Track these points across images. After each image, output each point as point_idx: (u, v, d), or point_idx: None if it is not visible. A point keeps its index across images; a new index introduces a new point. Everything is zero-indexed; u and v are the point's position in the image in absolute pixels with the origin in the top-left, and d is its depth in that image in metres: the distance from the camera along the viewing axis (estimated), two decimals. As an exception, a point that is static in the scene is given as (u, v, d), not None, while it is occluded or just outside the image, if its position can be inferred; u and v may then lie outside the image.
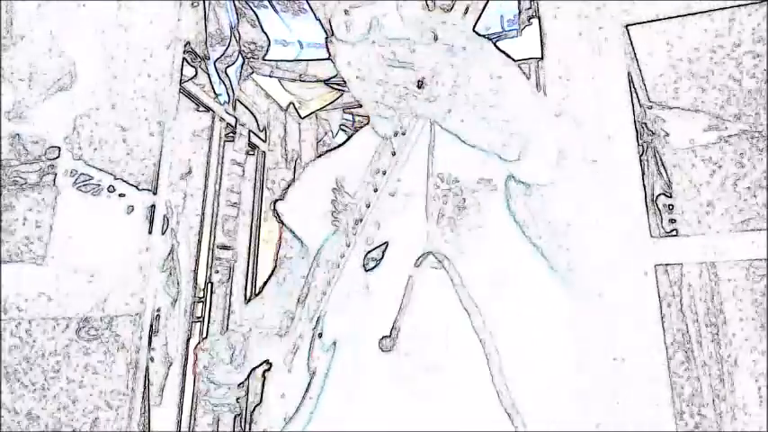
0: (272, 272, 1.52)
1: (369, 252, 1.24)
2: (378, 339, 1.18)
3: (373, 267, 1.24)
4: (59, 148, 1.54)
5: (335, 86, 1.82)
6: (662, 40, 1.31)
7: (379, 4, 1.28)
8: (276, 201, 1.54)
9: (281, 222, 1.48)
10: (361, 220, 1.23)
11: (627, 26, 1.31)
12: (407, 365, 1.19)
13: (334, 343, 1.25)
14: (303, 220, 1.43)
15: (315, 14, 1.52)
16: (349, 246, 1.25)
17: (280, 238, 1.52)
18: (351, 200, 1.32)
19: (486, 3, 1.17)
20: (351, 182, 1.34)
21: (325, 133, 2.05)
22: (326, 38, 1.39)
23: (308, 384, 1.25)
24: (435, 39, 1.05)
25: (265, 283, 1.51)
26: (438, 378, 1.17)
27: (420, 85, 1.06)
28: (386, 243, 1.23)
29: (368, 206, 1.25)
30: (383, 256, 1.23)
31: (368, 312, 1.24)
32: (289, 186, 1.56)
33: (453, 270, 1.18)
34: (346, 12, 1.29)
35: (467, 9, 1.09)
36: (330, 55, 1.39)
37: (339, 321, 1.26)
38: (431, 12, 1.28)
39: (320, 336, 1.26)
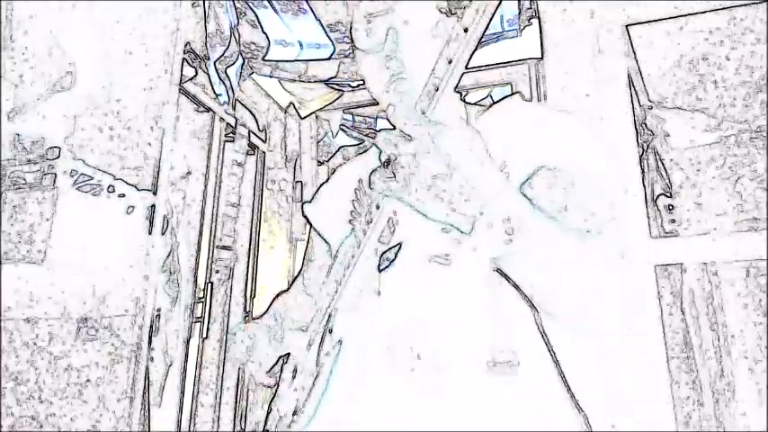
0: (301, 269, 1.55)
1: (384, 253, 1.26)
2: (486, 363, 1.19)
3: (386, 267, 1.26)
4: (59, 148, 1.54)
5: (335, 86, 1.82)
6: (662, 40, 1.31)
7: (399, 10, 1.30)
8: (304, 203, 1.58)
9: (310, 224, 1.51)
10: (371, 221, 1.25)
11: (627, 26, 1.32)
12: (415, 366, 1.19)
13: (340, 341, 1.26)
14: (328, 223, 1.45)
15: (315, 14, 1.52)
16: (359, 246, 1.26)
17: (309, 237, 1.55)
18: (370, 199, 1.34)
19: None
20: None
21: (326, 133, 2.06)
22: (350, 51, 1.43)
23: (314, 381, 1.25)
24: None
25: (295, 278, 1.55)
26: (447, 379, 1.17)
27: (386, 164, 1.15)
28: (400, 244, 1.25)
29: (378, 207, 1.27)
30: (396, 256, 1.25)
31: (377, 312, 1.25)
32: (318, 189, 1.60)
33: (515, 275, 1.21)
34: (368, 20, 1.32)
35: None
36: (360, 71, 1.42)
37: (348, 319, 1.28)
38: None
39: (330, 332, 1.28)
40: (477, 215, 1.15)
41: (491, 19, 1.17)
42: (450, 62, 1.15)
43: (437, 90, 1.16)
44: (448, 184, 1.14)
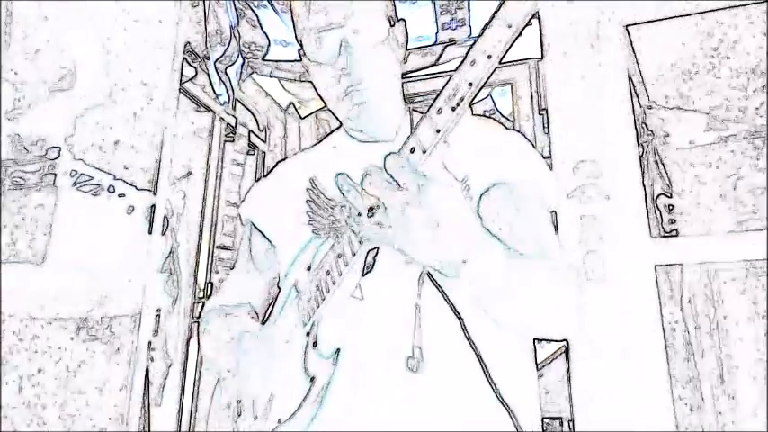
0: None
1: (365, 257, 1.24)
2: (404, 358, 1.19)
3: (367, 273, 1.24)
4: (59, 148, 1.54)
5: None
6: (662, 40, 1.31)
7: (349, 24, 1.30)
8: (241, 204, 1.56)
9: (253, 225, 1.47)
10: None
11: (627, 26, 1.31)
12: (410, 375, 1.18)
13: (338, 351, 1.24)
14: (275, 224, 1.41)
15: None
16: (355, 254, 1.24)
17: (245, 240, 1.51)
18: (327, 201, 1.32)
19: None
20: (324, 183, 1.35)
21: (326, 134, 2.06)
22: (300, 55, 1.41)
23: (308, 391, 1.24)
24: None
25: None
26: (432, 384, 1.17)
27: (371, 213, 1.10)
28: (376, 248, 1.23)
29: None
30: (374, 261, 1.23)
31: (364, 319, 1.23)
32: (250, 189, 1.56)
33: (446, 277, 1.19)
34: (317, 34, 1.32)
35: (412, 149, 1.12)
36: (308, 75, 1.42)
37: (337, 329, 1.25)
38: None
39: (315, 345, 1.25)
40: (462, 262, 1.12)
41: (511, 45, 1.15)
42: (470, 85, 1.13)
43: (453, 110, 1.14)
44: (434, 234, 1.10)
